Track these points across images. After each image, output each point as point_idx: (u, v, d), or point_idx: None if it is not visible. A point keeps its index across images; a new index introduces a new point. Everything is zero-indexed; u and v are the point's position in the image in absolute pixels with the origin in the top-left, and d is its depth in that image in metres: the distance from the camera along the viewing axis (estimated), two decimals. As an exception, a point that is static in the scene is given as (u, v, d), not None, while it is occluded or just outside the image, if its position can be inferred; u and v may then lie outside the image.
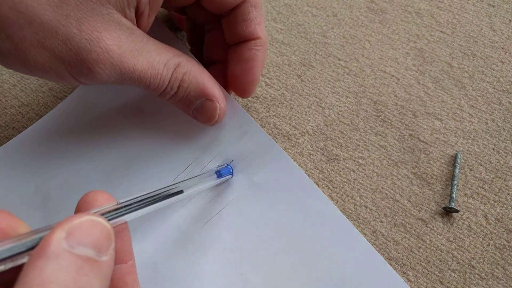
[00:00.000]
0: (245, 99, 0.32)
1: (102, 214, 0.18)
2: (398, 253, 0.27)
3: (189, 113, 0.26)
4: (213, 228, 0.26)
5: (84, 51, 0.21)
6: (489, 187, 0.28)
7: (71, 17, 0.20)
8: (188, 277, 0.25)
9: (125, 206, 0.19)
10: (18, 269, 0.14)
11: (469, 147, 0.29)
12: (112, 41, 0.22)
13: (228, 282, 0.25)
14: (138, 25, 0.24)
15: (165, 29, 0.29)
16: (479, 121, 0.30)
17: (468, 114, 0.30)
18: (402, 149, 0.29)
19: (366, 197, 0.28)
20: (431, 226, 0.27)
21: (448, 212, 0.27)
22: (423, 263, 0.26)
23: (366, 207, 0.28)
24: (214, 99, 0.25)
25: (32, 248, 0.15)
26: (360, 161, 0.29)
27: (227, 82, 0.28)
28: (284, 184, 0.26)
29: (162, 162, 0.28)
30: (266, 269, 0.25)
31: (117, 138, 0.29)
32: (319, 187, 0.28)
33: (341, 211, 0.28)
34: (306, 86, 0.32)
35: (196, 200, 0.27)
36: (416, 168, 0.29)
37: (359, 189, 0.28)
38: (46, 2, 0.20)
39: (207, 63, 0.29)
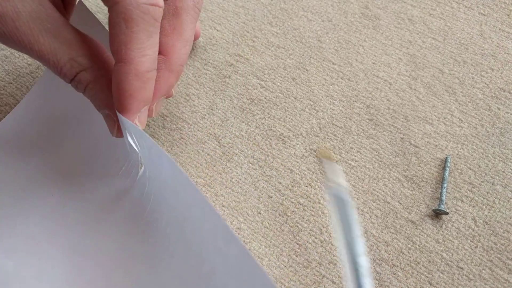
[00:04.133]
0: (240, 100, 0.32)
1: None
2: (389, 254, 0.27)
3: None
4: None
5: None
6: (478, 191, 0.29)
7: None
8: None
9: None
10: None
11: (458, 151, 0.30)
12: (6, 9, 0.21)
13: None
14: (66, 8, 0.23)
15: (89, 14, 0.27)
16: (468, 126, 0.31)
17: (458, 119, 0.31)
18: (393, 152, 0.30)
19: (357, 199, 0.29)
20: (421, 228, 0.28)
21: (437, 214, 0.28)
22: (412, 264, 0.27)
23: (358, 208, 0.28)
24: (115, 118, 0.23)
25: None
26: (353, 163, 0.30)
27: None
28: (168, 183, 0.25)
29: (103, 159, 0.28)
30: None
31: (64, 139, 0.29)
32: (311, 188, 0.29)
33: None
34: (301, 89, 0.32)
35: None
36: (407, 171, 0.29)
37: (351, 191, 0.29)
38: None
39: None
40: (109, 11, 0.21)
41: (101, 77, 0.23)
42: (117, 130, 0.24)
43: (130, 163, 0.28)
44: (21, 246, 0.26)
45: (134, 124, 0.23)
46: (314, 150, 0.30)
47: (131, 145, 0.25)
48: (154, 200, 0.26)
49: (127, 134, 0.24)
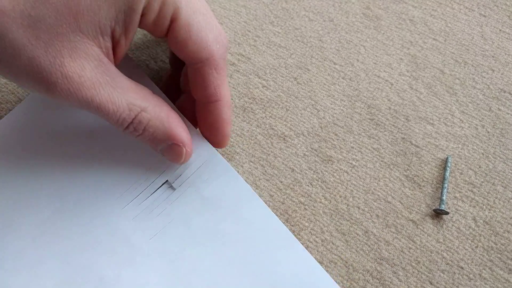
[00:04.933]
0: (241, 100, 0.32)
1: None
2: (389, 253, 0.27)
3: (156, 151, 0.26)
4: (161, 241, 0.26)
5: (45, 72, 0.22)
6: (478, 191, 0.29)
7: (41, 39, 0.22)
8: None
9: None
10: None
11: (459, 152, 0.30)
12: (74, 68, 0.22)
13: None
14: (114, 53, 0.24)
15: (136, 68, 0.29)
16: (469, 127, 0.31)
17: (459, 120, 0.31)
18: (394, 152, 0.30)
19: (358, 198, 0.29)
20: (422, 228, 0.28)
21: (438, 214, 0.28)
22: (413, 263, 0.27)
23: (359, 207, 0.28)
24: (181, 144, 0.25)
25: None
26: (354, 163, 0.30)
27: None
28: (229, 197, 0.27)
29: (110, 176, 0.28)
30: (213, 280, 0.25)
31: (67, 152, 0.29)
32: (312, 187, 0.29)
33: (334, 211, 0.28)
34: (302, 89, 0.32)
35: (144, 213, 0.27)
36: (408, 171, 0.29)
37: (352, 190, 0.29)
38: (21, 21, 0.21)
39: (184, 90, 0.29)
40: (197, 66, 0.26)
41: (160, 112, 0.25)
42: (186, 156, 0.26)
43: (141, 184, 0.28)
44: (10, 256, 0.26)
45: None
46: (315, 149, 0.30)
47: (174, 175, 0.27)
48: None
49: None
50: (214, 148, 0.27)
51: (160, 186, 0.27)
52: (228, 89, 0.27)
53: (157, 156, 0.27)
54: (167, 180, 0.27)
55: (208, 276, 0.25)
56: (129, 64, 0.28)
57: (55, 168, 0.28)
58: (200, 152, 0.27)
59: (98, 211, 0.27)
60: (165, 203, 0.27)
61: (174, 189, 0.27)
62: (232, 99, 0.32)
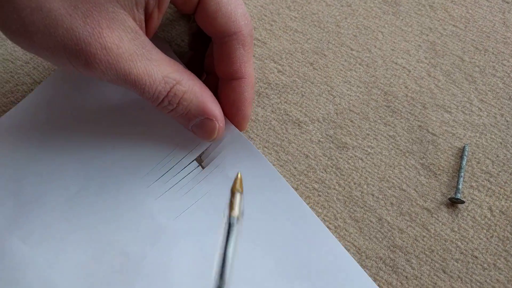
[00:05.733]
0: (256, 84, 0.32)
1: None
2: (403, 241, 0.27)
3: (188, 128, 0.26)
4: (186, 221, 0.26)
5: (83, 43, 0.21)
6: (495, 180, 0.28)
7: (79, 9, 0.21)
8: (160, 267, 0.25)
9: None
10: None
11: (477, 140, 0.30)
12: (113, 39, 0.22)
13: (199, 273, 0.25)
14: (147, 26, 0.24)
15: (165, 44, 0.29)
16: (488, 115, 0.30)
17: (477, 108, 0.31)
18: (410, 139, 0.30)
19: (373, 185, 0.29)
20: (436, 216, 0.28)
21: (453, 203, 0.28)
22: (427, 252, 0.27)
23: (373, 195, 0.28)
24: (214, 119, 0.25)
25: None
26: (369, 150, 0.30)
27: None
28: (256, 179, 0.27)
29: (137, 154, 0.28)
30: (237, 261, 0.25)
31: (94, 129, 0.29)
32: (327, 174, 0.29)
33: (347, 198, 0.28)
34: (318, 74, 0.32)
35: (170, 192, 0.27)
36: (424, 159, 0.29)
37: (366, 177, 0.29)
38: None
39: (207, 72, 0.29)
40: (224, 40, 0.25)
41: (194, 86, 0.25)
42: (218, 132, 0.26)
43: (168, 162, 0.28)
44: (37, 231, 0.26)
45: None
46: (330, 136, 0.30)
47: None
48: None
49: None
50: (237, 129, 0.27)
51: (187, 165, 0.27)
52: (253, 70, 0.27)
53: (185, 134, 0.27)
54: (196, 158, 0.27)
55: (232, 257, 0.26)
56: (157, 40, 0.28)
57: (81, 145, 0.28)
58: (225, 133, 0.27)
59: (124, 189, 0.27)
60: (192, 183, 0.27)
61: (202, 167, 0.27)
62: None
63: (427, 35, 0.33)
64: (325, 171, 0.29)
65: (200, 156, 0.28)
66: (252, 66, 0.27)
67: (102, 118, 0.29)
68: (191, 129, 0.26)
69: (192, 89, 0.25)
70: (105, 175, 0.28)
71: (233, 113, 0.27)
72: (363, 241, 0.27)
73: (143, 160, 0.28)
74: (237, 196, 0.23)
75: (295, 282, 0.25)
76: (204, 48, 0.30)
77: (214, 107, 0.25)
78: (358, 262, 0.27)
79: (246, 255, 0.25)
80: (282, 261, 0.25)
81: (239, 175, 0.23)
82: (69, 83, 0.30)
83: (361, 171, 0.29)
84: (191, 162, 0.27)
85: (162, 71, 0.24)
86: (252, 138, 0.30)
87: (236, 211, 0.22)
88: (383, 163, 0.29)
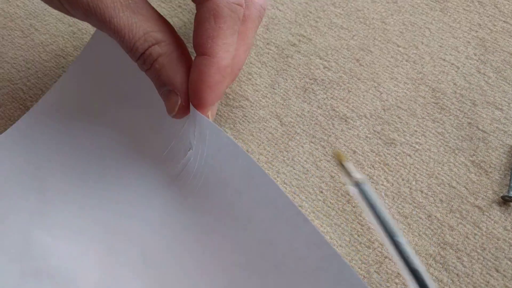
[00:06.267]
0: (302, 80, 0.32)
1: None
2: (453, 239, 0.27)
3: (159, 93, 0.25)
4: (189, 211, 0.26)
5: None
6: (550, 179, 0.28)
7: None
8: (176, 258, 0.26)
9: None
10: None
11: (530, 138, 0.29)
12: None
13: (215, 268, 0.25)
14: None
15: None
16: (541, 113, 0.30)
17: (530, 106, 0.30)
18: (460, 136, 0.29)
19: (422, 182, 0.28)
20: (488, 214, 0.27)
21: (506, 201, 0.27)
22: (478, 250, 0.26)
23: (422, 191, 0.28)
24: (178, 94, 0.23)
25: None
26: (417, 146, 0.29)
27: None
28: (230, 168, 0.25)
29: (154, 148, 0.28)
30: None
31: (111, 123, 0.29)
32: (374, 170, 0.29)
33: (396, 194, 0.28)
34: (365, 71, 0.32)
35: (175, 183, 0.27)
36: (474, 156, 0.29)
37: (415, 174, 0.29)
38: None
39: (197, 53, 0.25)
40: (198, 7, 0.22)
41: (172, 52, 0.23)
42: (178, 109, 0.24)
43: (175, 147, 0.28)
44: (60, 222, 0.27)
45: (207, 117, 0.24)
46: (377, 132, 0.30)
47: (192, 135, 0.26)
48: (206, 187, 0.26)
49: (192, 125, 0.25)
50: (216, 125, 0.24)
51: (184, 156, 0.27)
52: (231, 52, 0.23)
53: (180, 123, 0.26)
54: (189, 149, 0.27)
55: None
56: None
57: (95, 140, 0.29)
58: (196, 121, 0.25)
59: (129, 181, 0.28)
60: (198, 168, 0.26)
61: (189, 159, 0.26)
62: (292, 79, 0.32)
63: (476, 31, 0.33)
64: (373, 167, 0.29)
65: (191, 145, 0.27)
66: (230, 49, 0.23)
67: (117, 111, 0.30)
68: (161, 96, 0.24)
69: (169, 54, 0.23)
70: (119, 167, 0.28)
71: (190, 94, 0.24)
72: (412, 237, 0.27)
73: (160, 153, 0.28)
74: (349, 164, 0.23)
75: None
76: None
77: (182, 81, 0.23)
78: (408, 259, 0.26)
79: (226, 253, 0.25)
80: (259, 257, 0.24)
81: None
82: (88, 76, 0.31)
83: (409, 167, 0.29)
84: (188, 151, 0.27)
85: (145, 28, 0.22)
86: (298, 133, 0.30)
87: (357, 175, 0.23)
88: (431, 160, 0.29)
